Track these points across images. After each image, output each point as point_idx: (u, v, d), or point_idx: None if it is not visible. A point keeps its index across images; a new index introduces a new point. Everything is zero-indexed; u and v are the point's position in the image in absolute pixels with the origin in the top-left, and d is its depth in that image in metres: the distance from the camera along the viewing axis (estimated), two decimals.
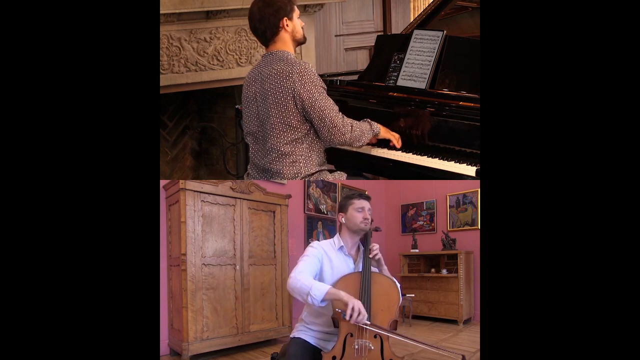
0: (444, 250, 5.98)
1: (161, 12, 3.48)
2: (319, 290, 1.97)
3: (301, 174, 2.76)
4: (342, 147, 2.99)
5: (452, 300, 5.69)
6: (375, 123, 2.88)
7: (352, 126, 2.76)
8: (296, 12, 2.80)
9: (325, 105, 2.71)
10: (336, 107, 2.76)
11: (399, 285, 2.20)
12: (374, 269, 2.18)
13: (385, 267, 2.23)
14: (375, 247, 2.21)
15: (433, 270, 6.08)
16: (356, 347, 1.98)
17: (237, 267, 4.00)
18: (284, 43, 2.78)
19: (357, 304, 1.93)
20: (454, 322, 5.60)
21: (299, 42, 2.85)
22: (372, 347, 1.98)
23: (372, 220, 2.26)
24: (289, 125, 2.72)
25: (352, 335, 1.99)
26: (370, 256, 2.17)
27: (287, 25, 2.76)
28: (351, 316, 1.92)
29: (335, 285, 2.07)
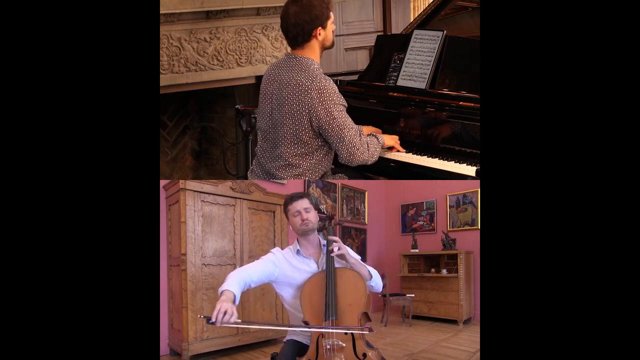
0: (444, 250, 5.98)
1: (161, 12, 3.48)
2: (220, 289, 2.01)
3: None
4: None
5: (452, 300, 5.69)
6: (379, 135, 2.84)
7: (368, 144, 2.71)
8: (331, 19, 2.73)
9: (345, 124, 2.65)
10: (355, 126, 2.69)
11: (374, 272, 2.17)
12: (340, 264, 2.17)
13: (352, 260, 2.17)
14: (335, 246, 2.13)
15: (433, 270, 6.08)
16: (328, 347, 2.00)
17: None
18: (312, 50, 2.72)
19: (223, 307, 1.88)
20: (454, 322, 5.60)
21: (327, 48, 2.79)
22: (344, 345, 2.01)
23: (331, 216, 2.25)
24: (300, 139, 2.68)
25: (323, 336, 2.02)
26: (332, 255, 2.13)
27: (319, 34, 2.69)
28: (217, 318, 1.86)
29: (303, 287, 2.11)
